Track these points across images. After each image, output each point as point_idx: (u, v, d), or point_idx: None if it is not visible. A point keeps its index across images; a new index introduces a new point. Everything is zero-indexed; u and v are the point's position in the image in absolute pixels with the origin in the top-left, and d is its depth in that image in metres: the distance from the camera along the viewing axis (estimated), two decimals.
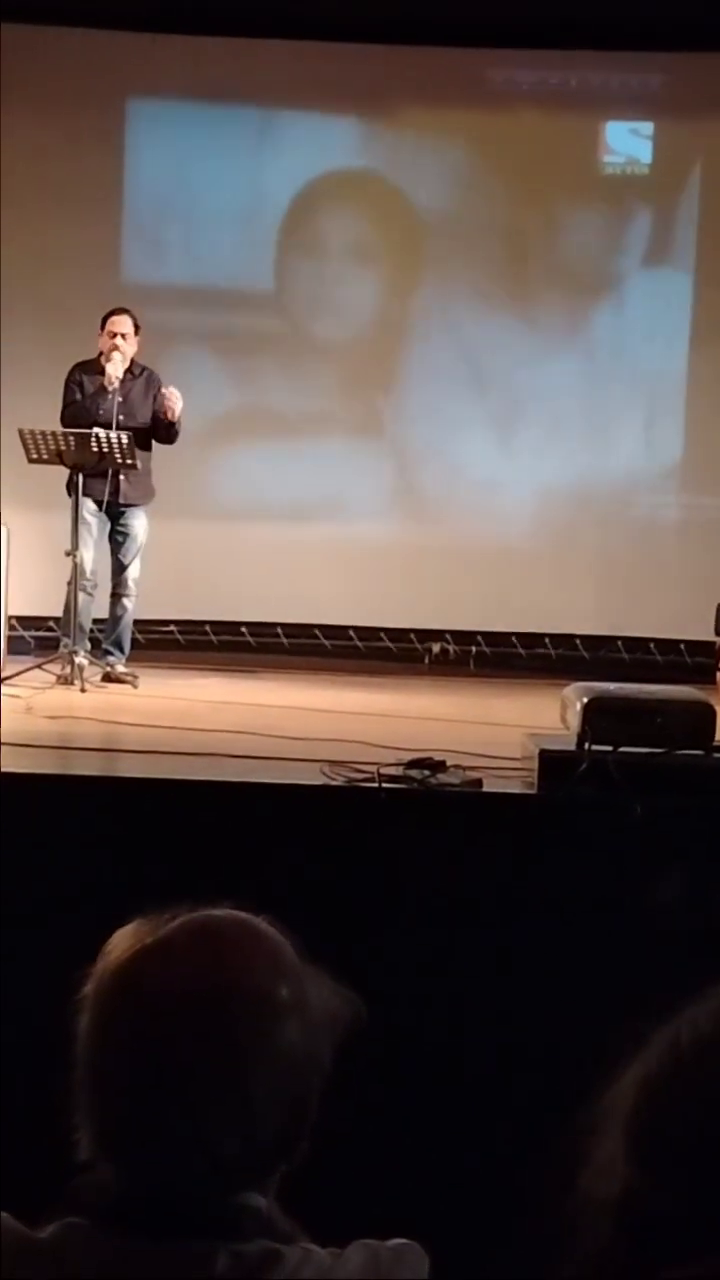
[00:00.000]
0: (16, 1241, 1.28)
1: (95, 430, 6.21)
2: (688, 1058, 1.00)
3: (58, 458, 6.20)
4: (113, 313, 6.58)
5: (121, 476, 6.37)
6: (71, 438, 6.18)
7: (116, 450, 6.16)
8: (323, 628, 7.66)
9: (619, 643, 7.59)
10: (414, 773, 3.76)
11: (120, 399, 6.44)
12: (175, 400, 6.45)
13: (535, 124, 7.68)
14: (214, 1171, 1.25)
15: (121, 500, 6.45)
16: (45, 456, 6.19)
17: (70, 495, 6.34)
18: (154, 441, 6.55)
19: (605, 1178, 0.99)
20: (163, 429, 6.50)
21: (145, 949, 1.29)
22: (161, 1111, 1.24)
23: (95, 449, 6.16)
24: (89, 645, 6.41)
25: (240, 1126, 1.25)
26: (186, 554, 7.18)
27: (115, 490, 6.37)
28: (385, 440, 7.75)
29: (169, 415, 6.45)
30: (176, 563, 6.94)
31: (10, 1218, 1.30)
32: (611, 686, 4.11)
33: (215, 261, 7.69)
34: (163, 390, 6.49)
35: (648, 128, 7.71)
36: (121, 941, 1.31)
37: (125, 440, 6.18)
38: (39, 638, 7.15)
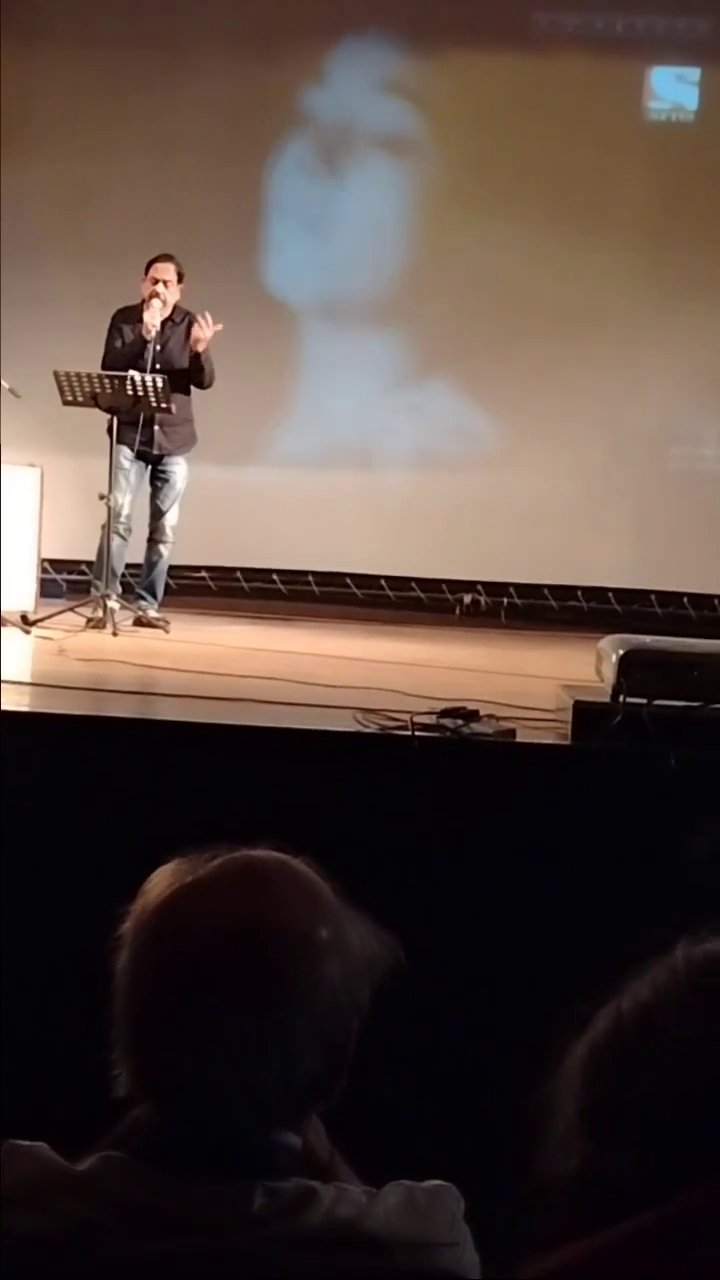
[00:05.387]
0: (54, 1173, 1.29)
1: (131, 373, 6.18)
2: (630, 1026, 1.05)
3: (92, 400, 6.18)
4: (156, 259, 6.51)
5: (157, 426, 6.34)
6: (107, 380, 6.16)
7: (152, 394, 6.13)
8: (354, 576, 7.65)
9: (652, 596, 7.56)
10: (447, 722, 3.75)
11: (159, 347, 6.40)
12: (204, 329, 6.32)
13: (579, 68, 7.56)
14: (252, 1110, 1.26)
15: (156, 450, 6.43)
16: (80, 399, 6.18)
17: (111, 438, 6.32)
18: (193, 387, 6.51)
19: (562, 1155, 1.02)
20: (194, 368, 6.43)
21: (185, 887, 1.28)
22: (200, 1050, 1.24)
23: (131, 392, 6.14)
24: (120, 589, 6.41)
25: (279, 1066, 1.25)
26: (219, 501, 7.16)
27: (149, 440, 6.35)
28: (419, 388, 7.69)
29: (196, 346, 6.36)
30: (209, 509, 6.92)
31: (48, 1148, 1.31)
32: (647, 639, 4.09)
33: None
34: (196, 321, 6.37)
35: (694, 74, 7.58)
36: (161, 880, 1.31)
37: (161, 383, 6.14)
38: (71, 581, 7.17)
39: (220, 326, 6.37)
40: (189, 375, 6.46)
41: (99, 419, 6.30)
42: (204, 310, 6.47)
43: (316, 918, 1.28)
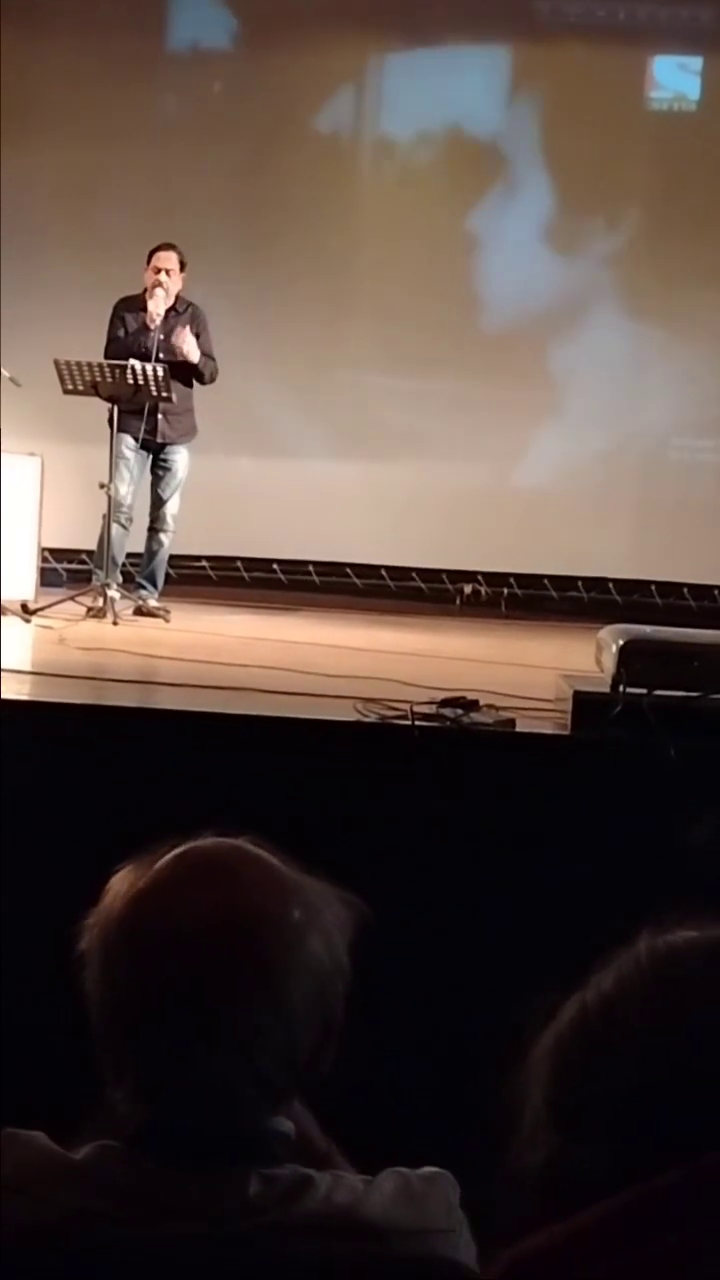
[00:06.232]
0: (51, 1161, 1.29)
1: (131, 362, 6.18)
2: (594, 1017, 1.07)
3: (93, 389, 6.18)
4: (158, 248, 6.50)
5: (160, 415, 6.34)
6: (108, 369, 6.16)
7: (152, 383, 6.13)
8: (354, 566, 7.66)
9: (652, 587, 7.56)
10: (447, 711, 3.75)
11: (162, 336, 6.40)
12: (182, 340, 6.36)
13: (581, 57, 7.54)
14: (260, 1095, 1.26)
15: (160, 439, 6.43)
16: (81, 388, 6.17)
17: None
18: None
19: (529, 1146, 1.04)
20: (191, 370, 6.44)
21: (141, 893, 1.27)
22: (201, 1049, 1.24)
23: (131, 381, 6.13)
24: (121, 579, 6.41)
25: (284, 1049, 1.26)
26: (220, 490, 7.15)
27: (152, 429, 6.35)
28: (420, 378, 7.68)
29: (189, 358, 6.38)
30: (209, 499, 6.92)
31: (45, 1137, 1.31)
32: (648, 629, 4.08)
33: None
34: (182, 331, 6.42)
35: (696, 63, 7.56)
36: (120, 886, 1.30)
37: (161, 373, 6.14)
38: (71, 570, 7.17)
39: (188, 328, 6.37)
40: (191, 369, 6.45)
41: (100, 407, 6.30)
42: (205, 304, 6.50)
43: (287, 899, 1.28)
